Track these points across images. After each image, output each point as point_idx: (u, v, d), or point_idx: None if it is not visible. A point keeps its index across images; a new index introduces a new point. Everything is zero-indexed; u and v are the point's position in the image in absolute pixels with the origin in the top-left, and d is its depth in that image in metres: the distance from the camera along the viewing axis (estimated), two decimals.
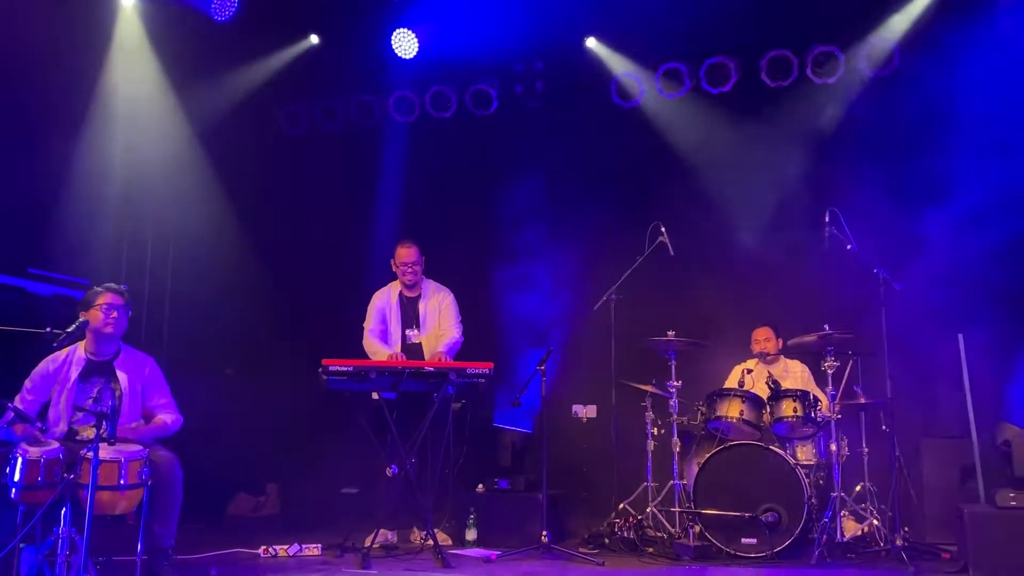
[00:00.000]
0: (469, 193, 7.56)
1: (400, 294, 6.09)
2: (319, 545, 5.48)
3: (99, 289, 4.64)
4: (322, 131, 7.91)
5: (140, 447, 4.26)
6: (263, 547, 5.40)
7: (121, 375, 4.63)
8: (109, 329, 4.58)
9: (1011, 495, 4.85)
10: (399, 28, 7.17)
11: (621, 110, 7.26)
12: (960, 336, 5.77)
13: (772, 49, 6.63)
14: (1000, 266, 5.86)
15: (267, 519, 6.97)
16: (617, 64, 7.15)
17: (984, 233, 5.96)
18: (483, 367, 5.40)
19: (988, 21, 6.17)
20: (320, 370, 5.20)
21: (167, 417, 4.71)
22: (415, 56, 7.25)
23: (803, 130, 6.82)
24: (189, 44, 6.80)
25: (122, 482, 4.06)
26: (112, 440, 3.88)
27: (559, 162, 7.47)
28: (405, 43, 7.21)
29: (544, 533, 5.33)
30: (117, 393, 4.57)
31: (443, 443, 5.66)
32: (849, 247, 5.58)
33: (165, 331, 7.17)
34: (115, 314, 4.59)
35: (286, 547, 5.40)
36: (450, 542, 5.73)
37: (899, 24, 6.37)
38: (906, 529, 5.32)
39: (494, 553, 5.35)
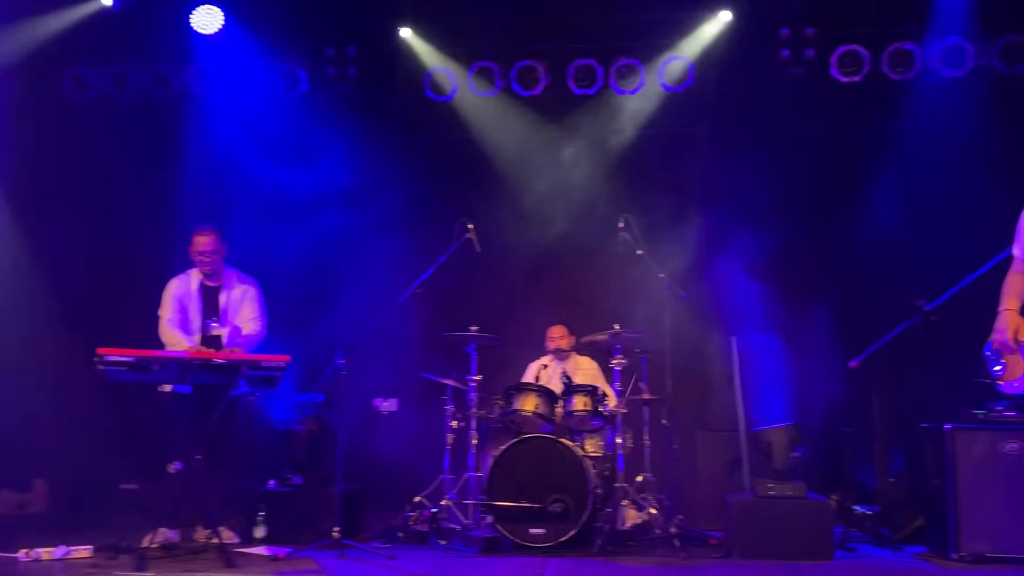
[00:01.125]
0: (275, 177, 7.28)
1: (201, 283, 5.80)
2: (90, 547, 5.10)
3: None
4: (112, 98, 7.35)
5: None
6: (23, 550, 4.95)
7: None
8: None
9: (770, 485, 5.33)
10: (203, 4, 6.80)
11: (434, 104, 7.26)
12: (733, 339, 6.26)
13: (579, 57, 6.87)
14: (770, 278, 6.41)
15: (33, 518, 6.40)
16: (431, 57, 7.15)
17: (755, 244, 6.50)
18: (279, 360, 5.24)
19: (770, 50, 6.73)
20: (95, 359, 4.83)
21: None
22: (219, 29, 6.91)
23: (606, 137, 7.13)
24: None
25: None
26: None
27: (371, 150, 7.39)
28: (208, 19, 6.85)
29: (336, 528, 5.27)
30: None
31: (233, 438, 5.45)
32: (639, 252, 5.91)
33: None
34: None
35: (51, 549, 4.98)
36: (237, 540, 5.52)
37: (694, 45, 6.79)
38: (680, 517, 5.71)
39: (283, 550, 5.22)
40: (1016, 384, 3.92)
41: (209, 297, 5.79)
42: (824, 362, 6.60)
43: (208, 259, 5.73)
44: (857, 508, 5.95)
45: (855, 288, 6.88)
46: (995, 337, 3.98)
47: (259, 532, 5.57)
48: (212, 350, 5.44)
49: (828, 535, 5.19)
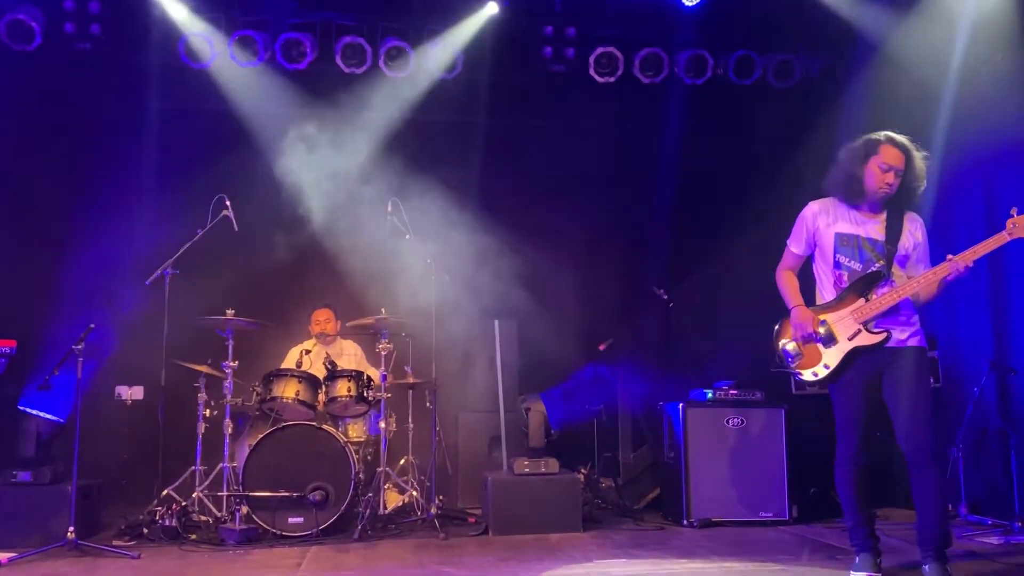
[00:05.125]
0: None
1: None
2: None
3: None
4: None
5: None
6: None
7: None
8: None
9: (525, 463, 5.59)
10: None
11: (190, 70, 6.79)
12: (496, 322, 6.47)
13: (347, 35, 6.71)
14: (529, 264, 6.69)
15: None
16: (188, 21, 6.65)
17: (516, 230, 6.76)
18: (3, 345, 4.73)
19: (534, 45, 6.97)
20: None
21: None
22: None
23: (374, 119, 7.04)
24: None
25: None
26: None
27: (115, 116, 6.81)
28: None
29: (70, 528, 4.83)
30: None
31: None
32: (407, 236, 5.93)
33: None
34: None
35: None
36: None
37: (463, 33, 6.85)
38: (441, 498, 5.84)
39: (7, 556, 4.70)
40: (814, 372, 4.08)
41: None
42: (575, 344, 7.03)
43: None
44: (603, 481, 6.40)
45: (606, 275, 7.36)
46: (795, 333, 4.10)
47: None
48: None
49: (577, 507, 5.53)
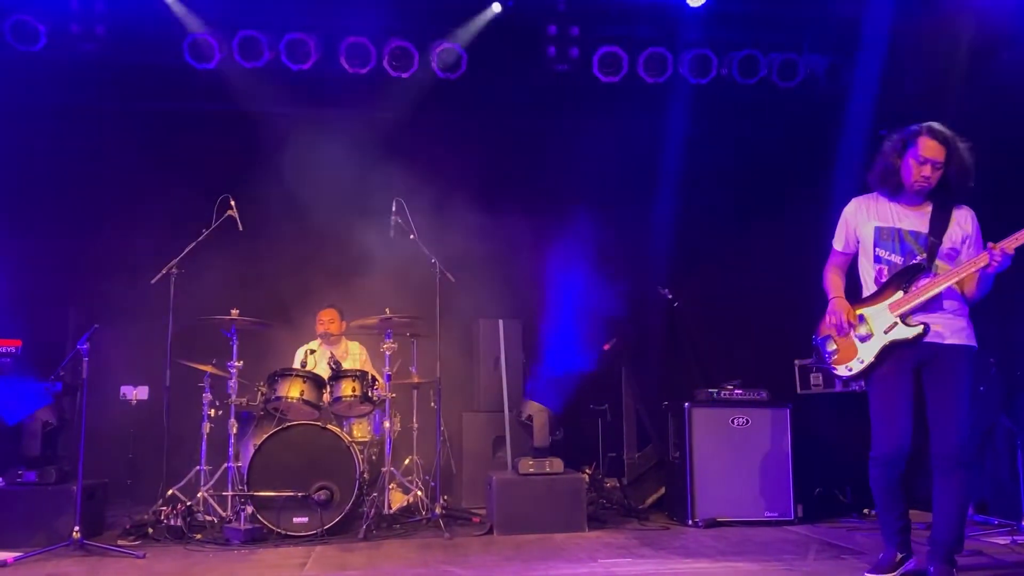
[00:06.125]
0: (5, 142, 6.51)
1: None
2: None
3: None
4: None
5: None
6: None
7: None
8: None
9: (530, 463, 5.58)
10: None
11: (194, 71, 6.79)
12: (500, 322, 6.45)
13: (351, 35, 6.71)
14: (534, 264, 6.69)
15: None
16: (192, 21, 6.67)
17: (522, 230, 6.76)
18: (9, 345, 4.75)
19: (537, 45, 6.96)
20: None
21: None
22: None
23: (379, 119, 7.05)
24: None
25: None
26: None
27: (119, 116, 6.82)
28: None
29: (76, 528, 4.84)
30: None
31: None
32: (412, 236, 5.93)
33: None
34: None
35: None
36: None
37: (466, 33, 6.85)
38: (446, 497, 5.84)
39: (12, 556, 4.71)
40: (849, 367, 3.98)
41: None
42: (579, 344, 7.02)
43: None
44: (608, 481, 6.39)
45: (611, 274, 7.34)
46: (830, 322, 4.01)
47: None
48: None
49: (582, 507, 5.52)
